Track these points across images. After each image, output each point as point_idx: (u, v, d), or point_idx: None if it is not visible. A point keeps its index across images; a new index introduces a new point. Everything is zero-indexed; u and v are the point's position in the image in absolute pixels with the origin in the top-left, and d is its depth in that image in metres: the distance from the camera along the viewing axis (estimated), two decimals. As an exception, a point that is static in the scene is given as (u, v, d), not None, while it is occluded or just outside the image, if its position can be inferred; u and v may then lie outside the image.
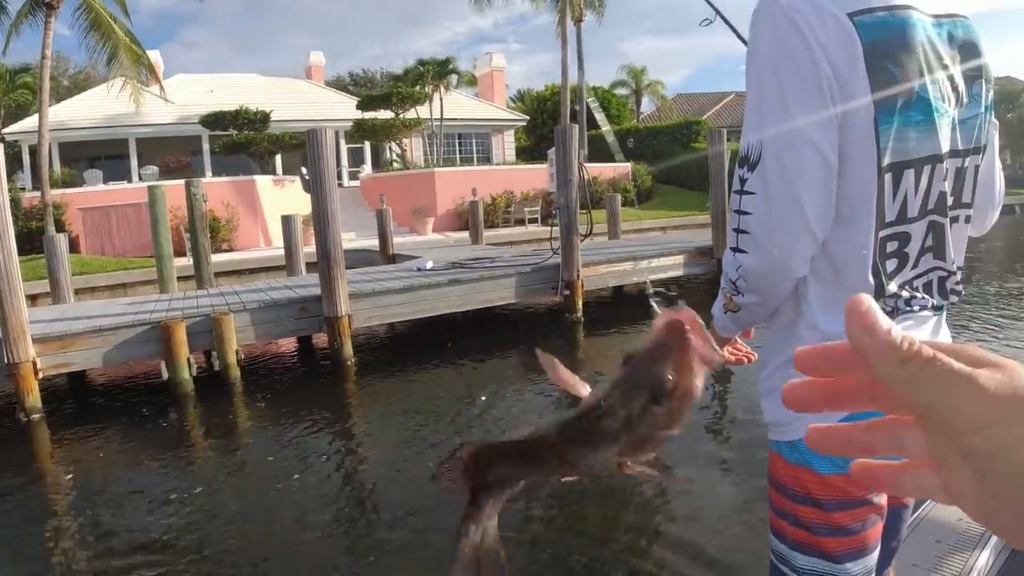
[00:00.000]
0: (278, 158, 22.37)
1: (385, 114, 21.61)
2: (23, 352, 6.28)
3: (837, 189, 1.05)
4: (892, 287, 1.11)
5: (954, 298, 1.19)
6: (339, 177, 25.75)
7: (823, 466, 1.11)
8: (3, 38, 17.68)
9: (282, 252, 15.24)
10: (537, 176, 21.02)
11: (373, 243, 14.33)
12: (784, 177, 1.03)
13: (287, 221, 11.19)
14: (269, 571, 3.57)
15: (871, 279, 1.09)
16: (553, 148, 8.93)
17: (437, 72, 23.77)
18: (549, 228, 9.52)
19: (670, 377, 0.36)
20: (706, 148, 25.95)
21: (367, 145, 26.32)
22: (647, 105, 41.34)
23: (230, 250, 16.59)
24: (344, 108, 27.18)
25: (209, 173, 22.04)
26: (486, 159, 27.64)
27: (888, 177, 1.05)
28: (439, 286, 7.94)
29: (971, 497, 0.32)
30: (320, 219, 7.11)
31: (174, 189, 15.34)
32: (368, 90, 40.13)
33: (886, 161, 1.04)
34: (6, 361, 6.25)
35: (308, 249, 15.01)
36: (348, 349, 7.26)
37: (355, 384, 7.08)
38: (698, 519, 3.71)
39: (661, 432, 0.37)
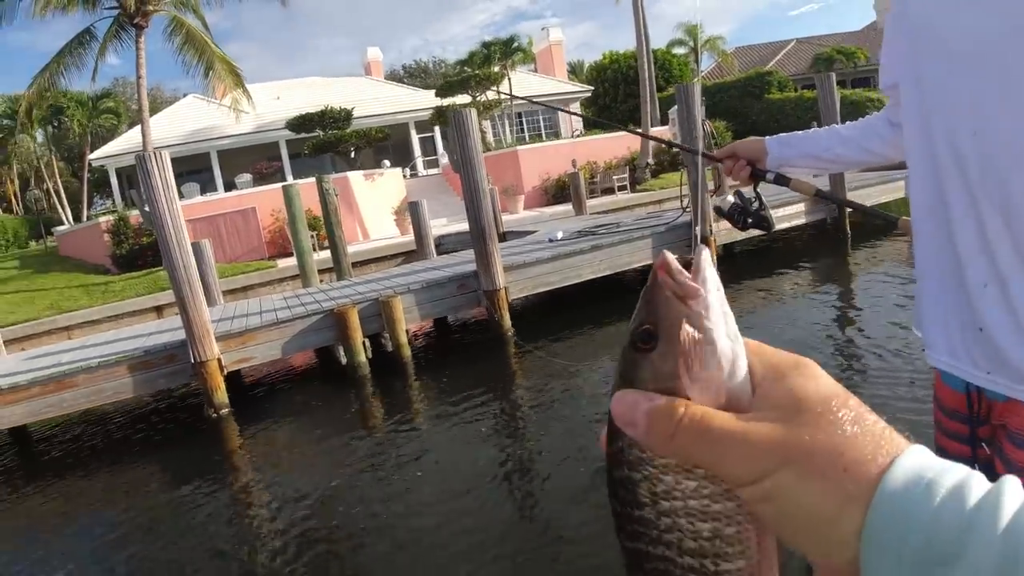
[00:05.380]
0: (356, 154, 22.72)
1: (462, 99, 21.70)
2: (208, 350, 6.57)
3: None
4: None
5: None
6: (413, 168, 26.04)
7: None
8: (92, 64, 18.38)
9: (388, 242, 15.62)
10: (615, 144, 20.76)
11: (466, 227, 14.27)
12: None
13: (414, 207, 11.33)
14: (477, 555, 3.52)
15: None
16: (675, 108, 8.85)
17: (503, 52, 23.71)
18: (679, 186, 9.44)
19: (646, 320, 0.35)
20: (779, 97, 25.33)
21: (436, 132, 26.52)
22: (706, 61, 40.46)
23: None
24: (412, 99, 27.43)
25: (290, 176, 22.53)
26: (554, 134, 27.48)
27: None
28: (582, 253, 7.98)
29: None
30: (472, 196, 7.21)
31: (273, 193, 15.81)
32: (424, 80, 40.36)
33: None
34: (193, 360, 6.56)
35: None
36: (507, 320, 7.38)
37: (516, 356, 7.16)
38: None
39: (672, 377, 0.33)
